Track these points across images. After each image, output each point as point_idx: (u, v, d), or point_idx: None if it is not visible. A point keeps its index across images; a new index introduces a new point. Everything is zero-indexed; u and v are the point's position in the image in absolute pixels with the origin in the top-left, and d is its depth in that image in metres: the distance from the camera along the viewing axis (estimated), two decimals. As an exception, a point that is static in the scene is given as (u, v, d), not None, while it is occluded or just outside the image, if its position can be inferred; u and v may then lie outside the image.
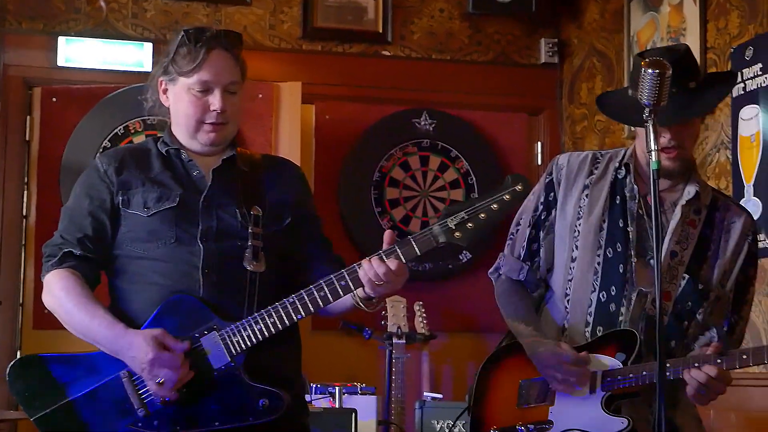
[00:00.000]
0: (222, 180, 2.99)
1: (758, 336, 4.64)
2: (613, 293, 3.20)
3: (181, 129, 3.02)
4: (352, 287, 2.80)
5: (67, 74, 5.87)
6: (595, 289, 3.23)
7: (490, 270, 3.48)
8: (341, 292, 2.81)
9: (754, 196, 4.68)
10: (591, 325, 3.22)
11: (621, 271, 3.20)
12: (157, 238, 2.91)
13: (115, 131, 5.76)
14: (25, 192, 5.79)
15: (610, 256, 3.22)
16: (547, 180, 3.38)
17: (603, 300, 3.21)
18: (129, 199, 2.96)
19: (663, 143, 3.14)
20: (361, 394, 5.26)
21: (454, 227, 2.74)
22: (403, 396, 5.17)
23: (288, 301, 2.82)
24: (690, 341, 3.23)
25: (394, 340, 5.17)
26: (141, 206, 2.94)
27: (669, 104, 2.88)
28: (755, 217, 4.59)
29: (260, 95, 5.80)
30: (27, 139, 5.80)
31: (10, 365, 2.91)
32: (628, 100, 3.18)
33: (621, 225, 3.22)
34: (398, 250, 2.75)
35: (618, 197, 3.26)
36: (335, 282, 2.80)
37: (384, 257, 2.75)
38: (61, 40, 5.83)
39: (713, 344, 3.07)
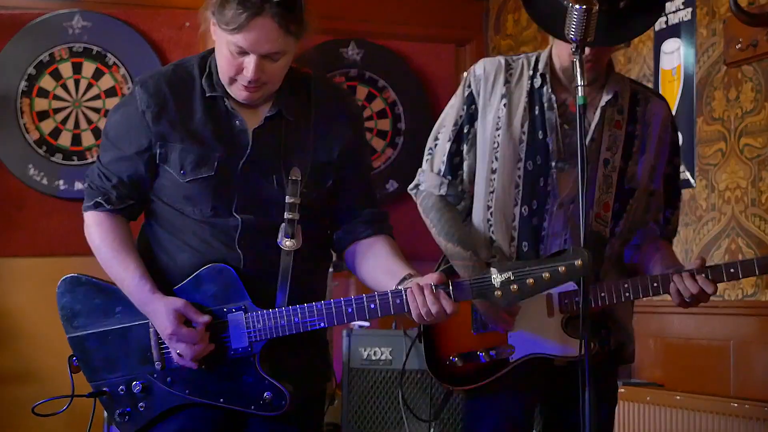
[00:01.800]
0: (263, 140, 2.81)
1: (676, 264, 4.77)
2: (534, 207, 3.21)
3: (219, 73, 2.80)
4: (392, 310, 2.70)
5: (-10, 0, 5.79)
6: (517, 203, 3.22)
7: (410, 186, 3.44)
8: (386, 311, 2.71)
9: (674, 128, 4.78)
10: (516, 240, 3.21)
11: (542, 184, 3.20)
12: (193, 205, 2.81)
13: (40, 58, 5.71)
14: (-52, 120, 5.73)
15: (530, 168, 3.21)
16: (467, 92, 3.32)
17: (525, 214, 3.21)
18: (166, 153, 2.80)
19: (562, 60, 3.19)
20: (289, 321, 5.30)
21: (497, 285, 2.61)
22: (331, 324, 5.23)
23: (317, 306, 2.73)
24: (618, 239, 3.26)
25: (322, 269, 5.22)
26: (177, 167, 2.79)
27: (604, 20, 2.88)
28: (675, 149, 4.73)
29: (187, 24, 5.77)
30: (-51, 65, 5.72)
31: (62, 279, 2.92)
32: (556, 4, 3.05)
33: (540, 136, 3.21)
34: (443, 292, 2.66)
35: (537, 107, 3.24)
36: (391, 297, 2.69)
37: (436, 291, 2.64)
38: (-16, -36, 5.75)
39: (696, 260, 3.07)
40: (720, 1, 4.58)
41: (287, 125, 2.83)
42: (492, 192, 3.26)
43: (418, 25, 6.52)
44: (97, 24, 5.74)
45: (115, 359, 2.87)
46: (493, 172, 3.25)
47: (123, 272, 2.82)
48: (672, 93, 4.82)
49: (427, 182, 3.37)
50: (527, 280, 2.58)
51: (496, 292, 2.60)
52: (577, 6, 2.79)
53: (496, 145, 3.26)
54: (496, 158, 3.25)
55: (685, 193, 4.70)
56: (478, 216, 3.31)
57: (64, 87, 5.72)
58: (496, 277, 2.60)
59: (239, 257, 2.78)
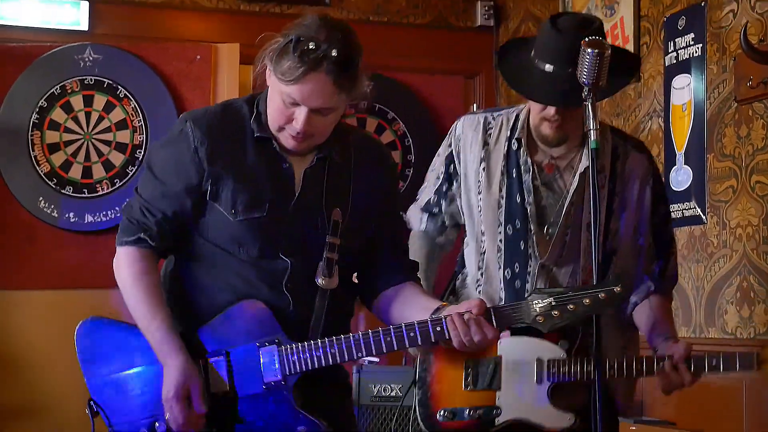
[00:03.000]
0: (312, 182, 2.83)
1: (687, 302, 4.75)
2: (517, 270, 3.23)
3: (269, 119, 2.83)
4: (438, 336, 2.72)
5: (2, 32, 5.81)
6: (500, 266, 3.26)
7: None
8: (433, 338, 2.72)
9: (685, 164, 4.78)
10: (503, 302, 3.22)
11: (522, 247, 3.22)
12: (240, 245, 2.80)
13: (52, 91, 5.72)
14: (-40, 151, 5.73)
15: (510, 233, 3.24)
16: (448, 152, 3.39)
17: (508, 277, 3.24)
18: (218, 192, 2.79)
19: (547, 114, 3.17)
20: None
21: (538, 310, 2.65)
22: (341, 358, 5.20)
23: (354, 337, 2.72)
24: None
25: (332, 303, 5.20)
26: (229, 206, 2.79)
27: (567, 83, 2.97)
28: (685, 186, 4.73)
29: (198, 57, 5.79)
30: (-39, 98, 5.73)
31: (81, 322, 2.92)
32: (529, 64, 3.16)
33: (518, 200, 3.24)
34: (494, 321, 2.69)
35: (514, 170, 3.25)
36: (429, 327, 2.70)
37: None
38: (-3, -3, 5.78)
39: (680, 348, 3.08)
40: (730, 37, 4.58)
41: (331, 167, 2.85)
42: (483, 253, 3.31)
43: (428, 57, 6.54)
44: (108, 57, 5.75)
45: (136, 401, 2.85)
46: (483, 234, 3.30)
47: (150, 319, 2.79)
48: (683, 129, 4.82)
49: (411, 217, 3.47)
50: (568, 306, 2.63)
51: (538, 318, 2.65)
52: (589, 50, 2.82)
53: (479, 209, 3.31)
54: (482, 221, 3.30)
55: (696, 230, 4.70)
56: (471, 274, 3.37)
57: (75, 120, 5.73)
58: (538, 303, 2.65)
59: (288, 300, 2.79)
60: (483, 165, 3.30)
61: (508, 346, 3.15)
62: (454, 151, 3.37)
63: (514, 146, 3.27)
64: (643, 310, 3.27)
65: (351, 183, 2.88)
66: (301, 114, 2.71)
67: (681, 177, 4.80)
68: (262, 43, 2.80)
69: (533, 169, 3.24)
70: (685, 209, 4.76)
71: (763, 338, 4.33)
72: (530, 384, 3.13)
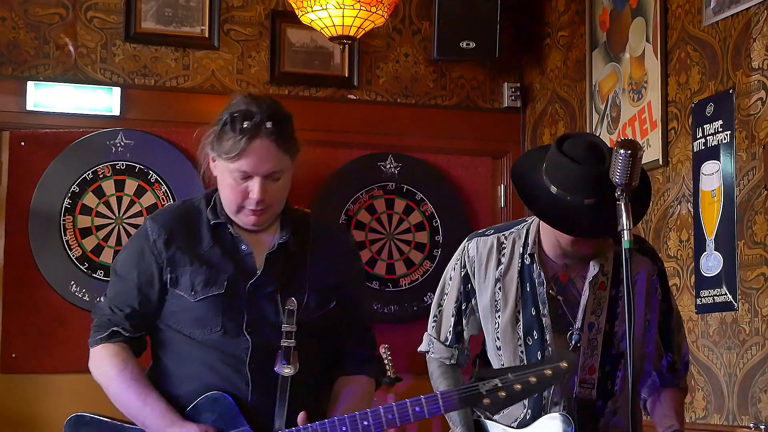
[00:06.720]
0: (272, 266, 2.95)
1: (719, 389, 4.73)
2: None
3: (224, 204, 2.97)
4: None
5: (36, 118, 5.88)
6: None
7: (420, 347, 3.53)
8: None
9: (715, 250, 4.78)
10: (526, 408, 3.26)
11: (540, 357, 3.25)
12: (203, 326, 2.91)
13: (84, 176, 5.79)
14: (-6, 237, 5.79)
15: (530, 344, 3.28)
16: (462, 273, 3.42)
17: None
18: (177, 278, 2.93)
19: (564, 245, 3.21)
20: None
21: (484, 393, 2.68)
22: (370, 441, 5.19)
23: (312, 427, 2.79)
24: (621, 395, 3.29)
25: (361, 386, 5.19)
26: (189, 289, 2.92)
27: (583, 215, 3.04)
28: (716, 272, 4.72)
29: (228, 141, 5.84)
30: (-5, 183, 5.80)
31: (67, 420, 2.98)
32: (548, 194, 3.15)
33: (534, 313, 3.28)
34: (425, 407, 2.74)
35: (528, 284, 3.30)
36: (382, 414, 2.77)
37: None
38: (30, 84, 5.84)
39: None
40: (759, 125, 4.60)
41: (287, 256, 2.97)
42: (502, 365, 3.34)
43: (455, 138, 6.58)
44: (139, 142, 5.83)
45: None
46: (499, 349, 3.35)
47: (142, 401, 2.88)
48: (712, 215, 4.83)
49: (438, 353, 3.48)
50: (514, 386, 2.67)
51: (484, 400, 2.69)
52: (622, 151, 2.86)
53: (497, 325, 3.35)
54: (498, 338, 3.34)
55: (728, 316, 4.69)
56: None
57: (107, 204, 5.79)
58: (484, 385, 2.68)
59: (248, 381, 2.87)
60: (499, 285, 3.35)
61: None
62: (468, 271, 3.41)
63: (527, 261, 3.32)
64: (654, 402, 3.35)
65: (307, 270, 2.98)
66: (255, 184, 2.87)
67: (711, 263, 4.80)
68: (197, 140, 2.99)
69: (546, 281, 3.28)
70: (715, 295, 4.76)
71: (797, 429, 4.30)
72: None
